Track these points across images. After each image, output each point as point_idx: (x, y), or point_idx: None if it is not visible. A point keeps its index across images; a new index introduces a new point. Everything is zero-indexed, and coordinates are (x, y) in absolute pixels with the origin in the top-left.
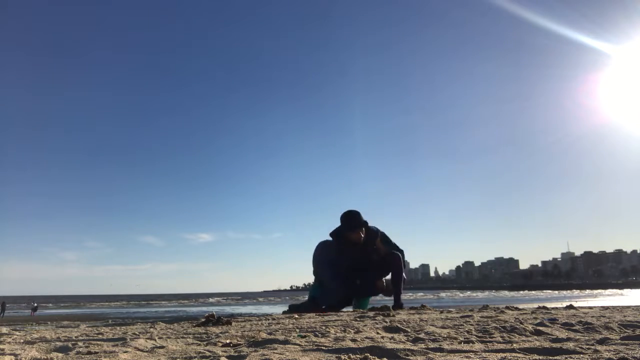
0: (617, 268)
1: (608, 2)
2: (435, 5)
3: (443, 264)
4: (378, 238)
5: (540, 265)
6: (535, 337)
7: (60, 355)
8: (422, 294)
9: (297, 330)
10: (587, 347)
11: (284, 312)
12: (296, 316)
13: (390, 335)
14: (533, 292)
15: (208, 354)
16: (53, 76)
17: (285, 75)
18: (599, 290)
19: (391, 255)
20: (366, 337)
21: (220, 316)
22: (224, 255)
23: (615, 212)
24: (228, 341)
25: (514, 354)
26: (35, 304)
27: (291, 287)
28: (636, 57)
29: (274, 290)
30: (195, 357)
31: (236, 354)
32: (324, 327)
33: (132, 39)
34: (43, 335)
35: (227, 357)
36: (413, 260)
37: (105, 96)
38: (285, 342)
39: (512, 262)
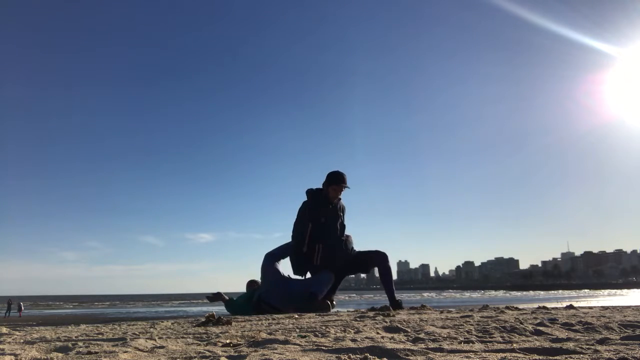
0: (617, 268)
1: (608, 3)
2: (435, 8)
3: (443, 264)
4: (351, 246)
5: (540, 265)
6: (535, 337)
7: (60, 355)
8: (422, 294)
9: (297, 330)
10: (587, 347)
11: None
12: (296, 316)
13: (390, 335)
14: (533, 292)
15: (208, 354)
16: (53, 74)
17: (287, 78)
18: (599, 290)
19: (376, 253)
20: (366, 337)
21: (220, 316)
22: (224, 255)
23: (615, 212)
24: (228, 341)
25: (514, 354)
26: (21, 303)
27: None
28: (636, 58)
29: None
30: (195, 357)
31: (236, 354)
32: (324, 327)
33: (131, 38)
34: (43, 335)
35: (227, 357)
36: (413, 260)
37: (105, 95)
38: (285, 342)
39: (512, 262)
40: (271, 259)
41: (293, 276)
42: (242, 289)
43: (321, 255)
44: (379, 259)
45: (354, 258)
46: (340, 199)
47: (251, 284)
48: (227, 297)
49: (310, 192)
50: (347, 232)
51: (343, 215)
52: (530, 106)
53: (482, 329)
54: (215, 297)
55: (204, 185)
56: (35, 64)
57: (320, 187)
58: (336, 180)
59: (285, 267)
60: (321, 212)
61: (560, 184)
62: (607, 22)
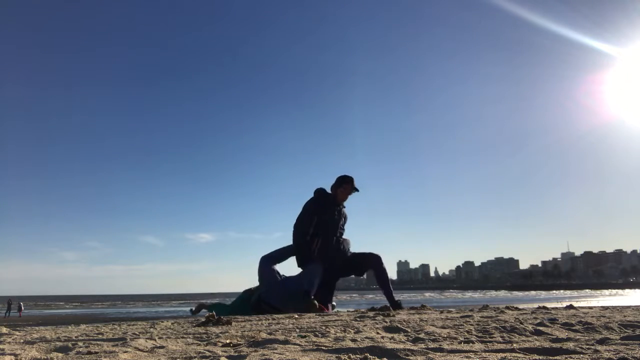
0: (617, 268)
1: (608, 3)
2: (435, 8)
3: (443, 264)
4: (348, 248)
5: (540, 265)
6: (535, 337)
7: (60, 355)
8: (422, 294)
9: (297, 330)
10: (587, 347)
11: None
12: (296, 316)
13: (390, 335)
14: (533, 292)
15: (208, 354)
16: (53, 74)
17: (287, 78)
18: (599, 290)
19: (370, 256)
20: (366, 337)
21: (220, 316)
22: (224, 255)
23: (615, 212)
24: (228, 341)
25: (514, 354)
26: (21, 303)
27: None
28: (636, 58)
29: None
30: (195, 357)
31: (236, 354)
32: (324, 327)
33: (131, 38)
34: (43, 335)
35: (227, 357)
36: (413, 260)
37: (105, 95)
38: (285, 342)
39: (512, 262)
40: (268, 261)
41: (289, 275)
42: (242, 288)
43: (318, 252)
44: (373, 262)
45: (350, 259)
46: (344, 206)
47: (246, 292)
48: (208, 304)
49: (318, 191)
50: (344, 236)
51: (344, 221)
52: (530, 106)
53: (482, 329)
54: (198, 309)
55: (204, 185)
56: (35, 64)
57: (329, 189)
58: (345, 183)
59: (282, 269)
60: (326, 212)
61: (560, 184)
62: (607, 22)
